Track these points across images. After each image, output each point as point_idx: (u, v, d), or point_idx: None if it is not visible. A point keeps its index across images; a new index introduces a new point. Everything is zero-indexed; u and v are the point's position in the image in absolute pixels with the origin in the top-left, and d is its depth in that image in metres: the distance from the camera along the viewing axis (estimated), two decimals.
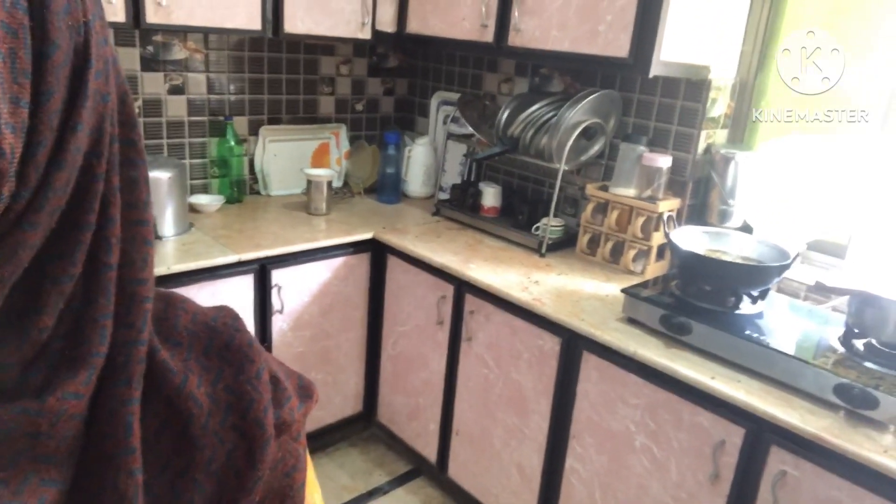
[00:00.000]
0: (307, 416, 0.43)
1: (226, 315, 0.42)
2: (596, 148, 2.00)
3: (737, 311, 1.49)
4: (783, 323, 1.47)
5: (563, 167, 1.89)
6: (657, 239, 1.84)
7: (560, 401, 1.65)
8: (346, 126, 2.53)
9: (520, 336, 1.73)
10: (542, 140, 1.93)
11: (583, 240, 2.00)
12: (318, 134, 2.47)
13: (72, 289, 0.31)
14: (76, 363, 0.31)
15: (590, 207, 1.96)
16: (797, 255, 1.45)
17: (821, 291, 1.25)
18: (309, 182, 2.21)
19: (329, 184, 2.23)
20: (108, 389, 0.33)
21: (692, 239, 1.66)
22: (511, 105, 2.06)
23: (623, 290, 1.57)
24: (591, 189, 1.96)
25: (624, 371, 1.49)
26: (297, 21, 1.98)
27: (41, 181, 0.28)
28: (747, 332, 1.38)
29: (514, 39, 1.86)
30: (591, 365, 1.57)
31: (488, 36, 1.92)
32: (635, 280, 1.82)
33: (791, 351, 1.32)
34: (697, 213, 1.93)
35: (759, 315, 1.49)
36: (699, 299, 1.52)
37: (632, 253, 1.87)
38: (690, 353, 1.44)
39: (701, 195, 1.92)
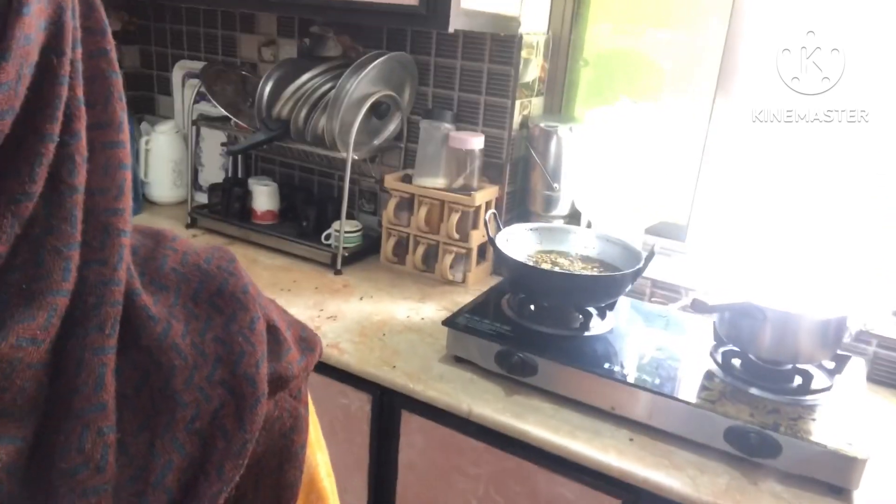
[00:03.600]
0: (309, 371, 0.39)
1: (220, 257, 0.38)
2: (391, 128, 1.57)
3: (586, 333, 1.16)
4: (640, 339, 1.17)
5: (351, 156, 1.44)
6: (476, 238, 1.47)
7: (378, 475, 1.22)
8: None
9: (318, 393, 1.24)
10: (319, 121, 1.45)
11: (387, 245, 1.57)
12: None
13: (31, 212, 0.27)
14: (34, 301, 0.27)
15: (392, 204, 1.53)
16: (651, 256, 1.15)
17: (701, 310, 0.95)
18: None
19: None
20: (78, 336, 0.29)
21: (520, 241, 1.30)
22: (275, 76, 1.54)
23: (445, 323, 1.17)
24: (390, 181, 1.53)
25: (458, 433, 1.10)
26: None
27: None
28: (606, 366, 1.06)
29: None
30: (413, 427, 1.16)
31: None
32: (456, 293, 1.44)
33: (662, 382, 1.02)
34: (518, 200, 1.60)
35: (612, 332, 1.18)
36: (539, 322, 1.17)
37: (448, 258, 1.49)
38: (540, 399, 1.08)
39: (521, 179, 1.58)
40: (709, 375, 1.07)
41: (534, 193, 1.55)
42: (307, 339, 0.40)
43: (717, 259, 1.40)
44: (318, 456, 0.43)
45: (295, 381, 0.37)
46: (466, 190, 1.47)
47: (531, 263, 1.24)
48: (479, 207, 1.46)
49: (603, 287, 1.14)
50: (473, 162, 1.47)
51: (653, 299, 1.41)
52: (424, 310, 1.38)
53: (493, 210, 1.29)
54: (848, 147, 1.12)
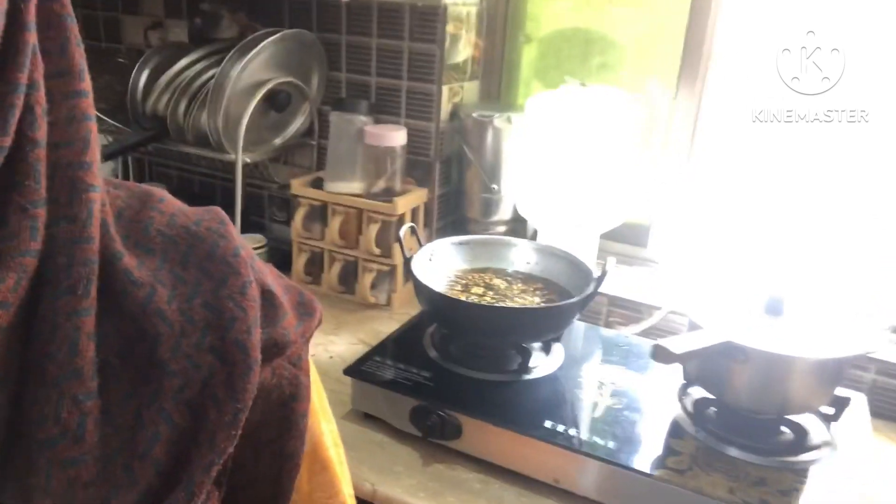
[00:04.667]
0: (308, 338, 0.38)
1: (211, 219, 0.36)
2: (297, 123, 1.31)
3: (525, 376, 0.93)
4: (593, 382, 0.94)
5: (241, 158, 1.18)
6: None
7: None
8: None
9: None
10: (201, 116, 1.19)
11: (298, 262, 1.32)
12: None
13: None
14: (2, 262, 0.26)
15: (300, 214, 1.28)
16: (603, 276, 0.92)
17: (666, 360, 0.72)
18: None
19: None
20: (49, 300, 0.28)
21: (447, 259, 1.06)
22: (151, 63, 1.27)
23: (347, 371, 0.92)
24: (297, 186, 1.28)
25: None
26: None
27: None
28: (548, 425, 0.82)
29: None
30: None
31: None
32: (378, 319, 1.21)
33: (619, 446, 0.79)
34: (453, 204, 1.36)
35: (558, 373, 0.95)
36: (467, 364, 0.93)
37: (369, 277, 1.24)
38: (465, 468, 0.85)
39: (455, 180, 1.34)
40: (677, 430, 0.84)
41: (470, 196, 1.31)
42: (305, 304, 0.38)
43: (685, 271, 1.18)
44: (323, 425, 0.41)
45: (292, 347, 0.36)
46: (388, 195, 1.22)
47: (458, 289, 1.00)
48: (402, 216, 1.22)
49: (543, 321, 0.91)
50: (395, 161, 1.22)
51: (610, 319, 1.18)
52: (336, 344, 1.13)
53: (410, 223, 1.04)
54: (846, 148, 0.98)
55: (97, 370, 0.29)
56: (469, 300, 0.95)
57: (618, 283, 1.19)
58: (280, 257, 1.38)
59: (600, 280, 0.92)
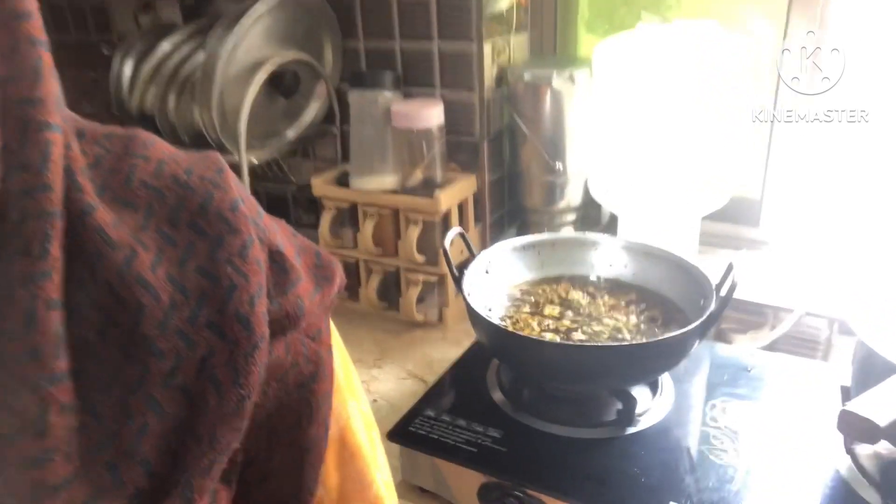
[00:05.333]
0: (328, 306, 0.32)
1: (206, 166, 0.30)
2: (312, 109, 1.09)
3: (630, 430, 0.69)
4: (722, 430, 0.70)
5: (245, 159, 0.96)
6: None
7: None
8: None
9: None
10: (193, 110, 0.97)
11: None
12: None
13: None
14: None
15: (326, 218, 1.07)
16: (732, 286, 0.66)
17: (866, 436, 0.48)
18: None
19: None
20: (3, 265, 0.23)
21: (507, 271, 0.83)
22: (136, 49, 1.06)
23: (392, 436, 0.71)
24: (320, 185, 1.06)
25: None
26: None
27: None
28: None
29: None
30: None
31: None
32: (429, 342, 1.00)
33: None
34: (508, 191, 1.11)
35: (669, 419, 0.71)
36: (546, 414, 0.70)
37: (414, 291, 1.02)
38: None
39: (508, 161, 1.09)
40: (855, 503, 0.59)
41: (528, 180, 1.06)
42: (323, 267, 0.33)
43: (815, 257, 0.91)
44: (350, 405, 0.36)
45: (308, 318, 0.31)
46: (428, 188, 0.99)
47: (527, 310, 0.77)
48: (447, 212, 0.99)
49: (651, 360, 0.66)
50: (432, 145, 0.99)
51: (722, 326, 0.93)
52: (380, 380, 0.92)
53: (458, 228, 0.81)
54: None
55: (70, 348, 0.24)
56: (544, 335, 0.71)
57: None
58: None
59: (728, 290, 0.66)
